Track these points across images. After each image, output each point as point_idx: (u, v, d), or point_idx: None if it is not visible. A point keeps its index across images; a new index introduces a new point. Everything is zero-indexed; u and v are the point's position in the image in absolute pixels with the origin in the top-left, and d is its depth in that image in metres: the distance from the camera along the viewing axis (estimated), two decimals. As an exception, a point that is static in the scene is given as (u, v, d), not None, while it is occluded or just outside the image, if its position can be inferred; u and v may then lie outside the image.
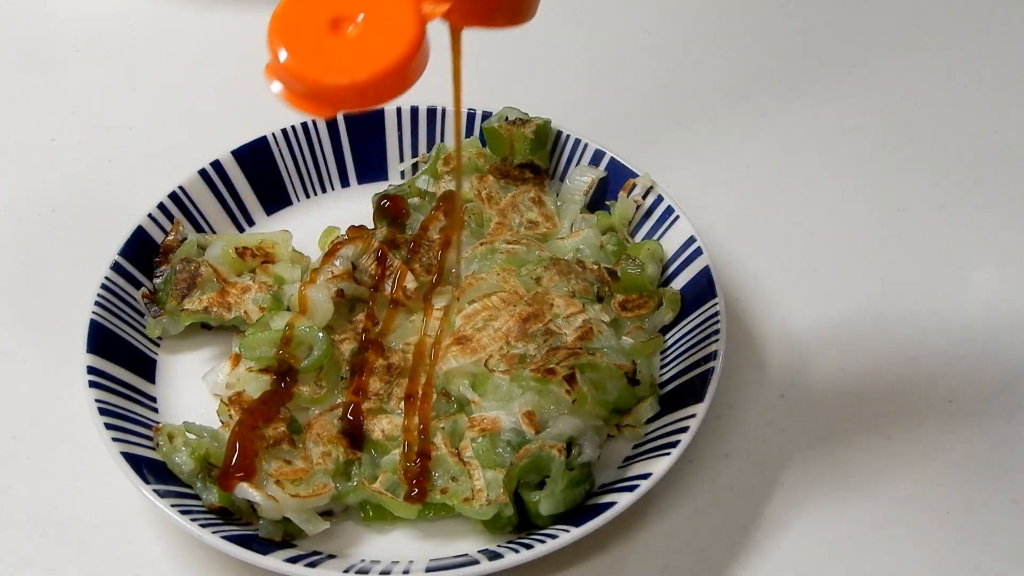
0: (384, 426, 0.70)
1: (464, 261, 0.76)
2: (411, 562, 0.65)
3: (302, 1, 0.55)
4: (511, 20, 0.57)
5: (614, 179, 0.82)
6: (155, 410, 0.73)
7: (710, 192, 0.88)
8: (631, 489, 0.64)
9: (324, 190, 0.86)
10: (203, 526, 0.63)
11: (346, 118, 0.84)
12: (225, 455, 0.66)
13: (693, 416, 0.67)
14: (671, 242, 0.79)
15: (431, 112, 0.85)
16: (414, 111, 0.85)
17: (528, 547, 0.62)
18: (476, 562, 0.62)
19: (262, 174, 0.83)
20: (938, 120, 0.95)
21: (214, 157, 0.82)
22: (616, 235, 0.80)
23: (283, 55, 0.53)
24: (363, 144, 0.86)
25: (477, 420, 0.68)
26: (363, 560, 0.65)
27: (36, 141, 0.93)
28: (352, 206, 0.84)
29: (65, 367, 0.74)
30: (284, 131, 0.84)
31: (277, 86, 0.55)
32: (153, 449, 0.68)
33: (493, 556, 0.63)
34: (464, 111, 0.84)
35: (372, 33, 0.54)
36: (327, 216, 0.83)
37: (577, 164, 0.83)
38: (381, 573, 0.63)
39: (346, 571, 0.63)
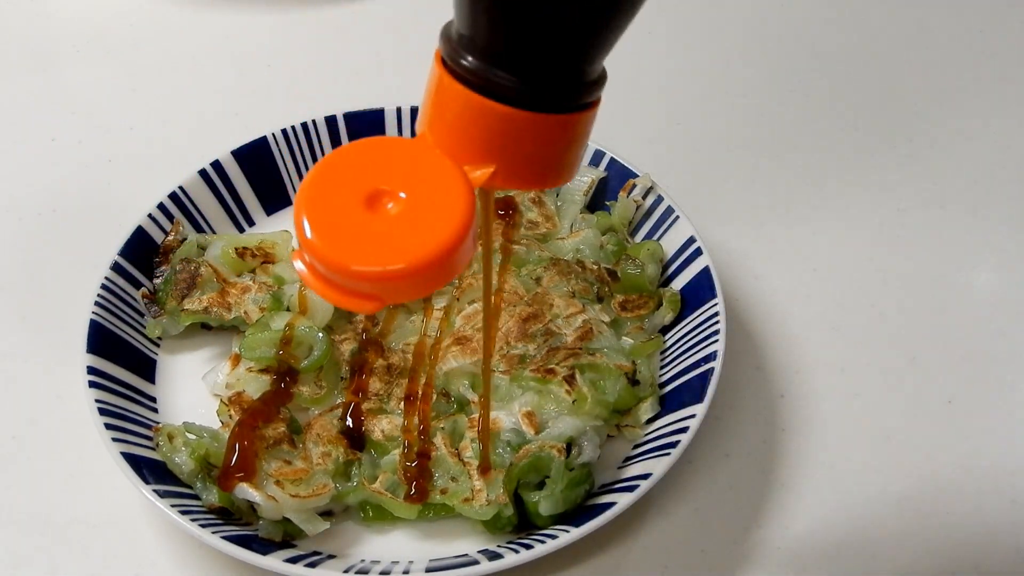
0: (384, 426, 0.69)
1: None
2: (411, 562, 0.65)
3: (335, 171, 0.48)
4: (555, 181, 0.52)
5: (614, 179, 0.82)
6: (155, 410, 0.73)
7: (710, 192, 0.88)
8: (631, 489, 0.64)
9: (324, 190, 0.86)
10: (203, 526, 0.63)
11: (345, 118, 0.84)
12: (225, 455, 0.66)
13: (693, 416, 0.67)
14: (671, 242, 0.78)
15: (431, 112, 0.85)
16: (414, 111, 0.84)
17: (528, 547, 0.62)
18: (476, 562, 0.62)
19: (262, 174, 0.83)
20: (938, 120, 0.95)
21: (214, 157, 0.81)
22: (616, 235, 0.80)
23: (310, 232, 0.46)
24: (363, 144, 0.85)
25: (477, 420, 0.68)
26: (363, 560, 0.65)
27: (36, 141, 0.93)
28: (352, 206, 0.84)
29: (65, 367, 0.74)
30: (284, 131, 0.83)
31: (299, 265, 0.47)
32: (153, 449, 0.68)
33: (493, 556, 0.63)
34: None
35: (418, 208, 0.46)
36: (327, 216, 0.83)
37: (577, 164, 0.83)
38: (381, 573, 0.63)
39: (346, 571, 0.63)
